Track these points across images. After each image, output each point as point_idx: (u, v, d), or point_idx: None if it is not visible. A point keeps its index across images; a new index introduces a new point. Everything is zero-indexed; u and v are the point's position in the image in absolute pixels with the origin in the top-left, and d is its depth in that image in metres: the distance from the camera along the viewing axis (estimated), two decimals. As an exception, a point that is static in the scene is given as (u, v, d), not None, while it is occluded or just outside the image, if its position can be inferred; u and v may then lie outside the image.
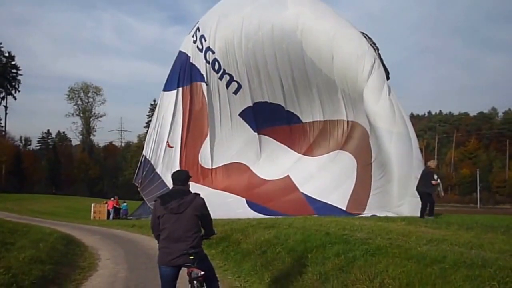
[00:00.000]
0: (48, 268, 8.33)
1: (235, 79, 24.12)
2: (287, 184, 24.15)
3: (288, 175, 24.37)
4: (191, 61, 25.21)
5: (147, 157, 25.61)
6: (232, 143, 25.14)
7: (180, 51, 26.08)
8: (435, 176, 14.27)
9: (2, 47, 79.39)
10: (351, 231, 8.86)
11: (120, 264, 10.50)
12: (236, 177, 24.95)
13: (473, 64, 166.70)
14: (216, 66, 24.34)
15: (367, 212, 19.40)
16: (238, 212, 20.48)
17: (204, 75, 24.76)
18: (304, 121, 24.42)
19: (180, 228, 4.74)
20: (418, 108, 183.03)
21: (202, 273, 4.63)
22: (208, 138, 25.10)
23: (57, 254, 10.27)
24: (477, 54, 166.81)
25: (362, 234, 8.40)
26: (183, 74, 25.49)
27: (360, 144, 23.00)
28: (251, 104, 24.46)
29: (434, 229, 9.70)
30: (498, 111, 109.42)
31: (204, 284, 4.73)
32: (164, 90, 26.06)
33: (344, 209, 21.27)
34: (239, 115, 24.85)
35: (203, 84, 24.91)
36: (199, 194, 4.99)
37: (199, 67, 24.90)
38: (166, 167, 24.84)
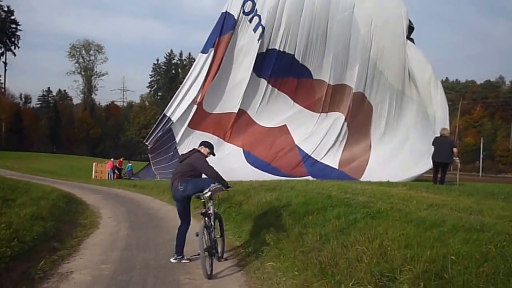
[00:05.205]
0: (50, 225, 8.39)
1: (262, 22, 23.72)
2: (284, 135, 24.46)
3: (285, 125, 24.61)
4: (228, 10, 24.39)
5: (167, 114, 25.07)
6: (238, 90, 24.72)
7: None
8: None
9: (0, 0, 77.05)
10: (352, 195, 8.89)
11: (122, 222, 10.61)
12: (235, 122, 24.83)
13: (482, 32, 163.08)
14: (249, 7, 23.84)
15: (365, 179, 20.24)
16: (233, 168, 20.73)
17: (236, 18, 24.10)
18: (314, 77, 24.43)
19: (179, 171, 6.78)
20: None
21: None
22: (213, 81, 24.33)
23: (58, 211, 10.35)
24: (487, 21, 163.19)
25: (363, 198, 8.43)
26: (218, 30, 24.58)
27: (360, 115, 24.49)
28: (264, 50, 24.14)
29: (435, 194, 9.73)
30: (505, 79, 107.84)
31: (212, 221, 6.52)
32: (202, 52, 25.14)
33: (336, 167, 22.27)
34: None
35: (232, 31, 24.31)
36: (198, 151, 6.93)
37: (233, 14, 24.16)
38: (181, 122, 24.49)
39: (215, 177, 6.50)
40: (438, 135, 14.76)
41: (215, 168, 6.62)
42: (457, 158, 14.05)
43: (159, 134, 24.77)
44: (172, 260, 6.71)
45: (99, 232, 9.25)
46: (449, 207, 7.25)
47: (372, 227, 5.93)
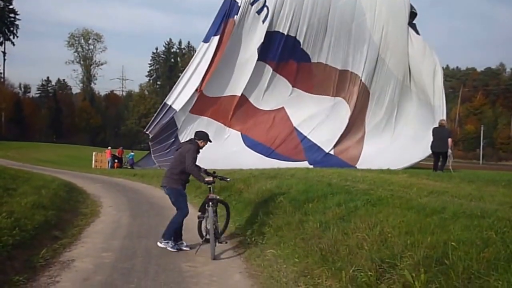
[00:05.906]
0: (51, 213, 8.39)
1: (266, 3, 23.74)
2: (282, 117, 24.53)
3: (283, 107, 24.68)
4: None
5: (168, 103, 24.94)
6: (240, 73, 24.64)
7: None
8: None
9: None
10: (353, 182, 8.89)
11: (123, 211, 10.62)
12: (236, 108, 24.81)
13: (483, 19, 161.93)
14: None
15: (360, 165, 20.44)
16: (233, 152, 20.76)
17: (240, 5, 24.01)
18: (312, 61, 24.45)
19: (171, 162, 7.22)
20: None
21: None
22: (216, 67, 24.22)
23: (59, 200, 10.35)
24: (488, 7, 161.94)
25: (364, 185, 8.43)
26: (221, 17, 24.37)
27: (358, 102, 24.63)
28: (267, 32, 24.04)
29: (435, 181, 9.73)
30: (506, 67, 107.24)
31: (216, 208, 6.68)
32: (203, 41, 25.00)
33: (333, 153, 22.55)
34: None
35: (236, 17, 24.17)
36: (196, 143, 6.88)
37: (238, 0, 24.07)
38: (183, 110, 24.43)
39: (192, 173, 6.70)
40: (437, 125, 14.96)
41: (199, 165, 6.79)
42: (450, 150, 14.26)
43: (161, 123, 24.67)
44: (159, 244, 6.82)
45: (100, 221, 9.27)
46: (450, 194, 7.26)
47: (373, 214, 5.93)
